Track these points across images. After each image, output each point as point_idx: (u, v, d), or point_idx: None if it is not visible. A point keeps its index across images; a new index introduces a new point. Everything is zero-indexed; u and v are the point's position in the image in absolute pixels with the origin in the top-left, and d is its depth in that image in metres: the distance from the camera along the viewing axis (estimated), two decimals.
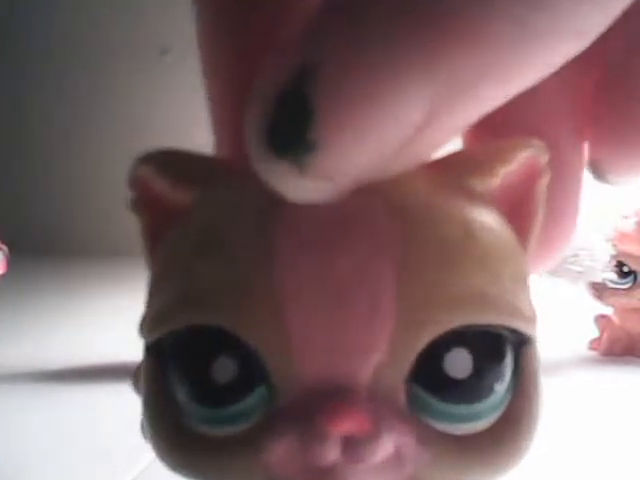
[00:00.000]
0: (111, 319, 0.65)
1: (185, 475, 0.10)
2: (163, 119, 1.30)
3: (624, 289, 0.46)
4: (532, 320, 0.10)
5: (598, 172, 0.12)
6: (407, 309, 0.09)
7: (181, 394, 0.10)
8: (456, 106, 0.08)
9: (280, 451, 0.09)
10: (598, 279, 0.47)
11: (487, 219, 0.10)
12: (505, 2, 0.08)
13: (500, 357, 0.10)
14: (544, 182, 0.10)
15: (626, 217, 0.45)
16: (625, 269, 0.46)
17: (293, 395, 0.09)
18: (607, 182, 0.12)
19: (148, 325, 0.11)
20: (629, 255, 0.46)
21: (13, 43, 1.33)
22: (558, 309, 0.64)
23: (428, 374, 0.09)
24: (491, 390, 0.10)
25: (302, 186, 0.08)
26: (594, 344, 0.48)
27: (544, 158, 0.10)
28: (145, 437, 0.11)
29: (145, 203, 0.12)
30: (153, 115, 1.31)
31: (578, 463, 0.27)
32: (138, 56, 1.30)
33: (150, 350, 0.11)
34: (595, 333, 0.48)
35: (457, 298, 0.09)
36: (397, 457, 0.09)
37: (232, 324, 0.09)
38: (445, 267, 0.09)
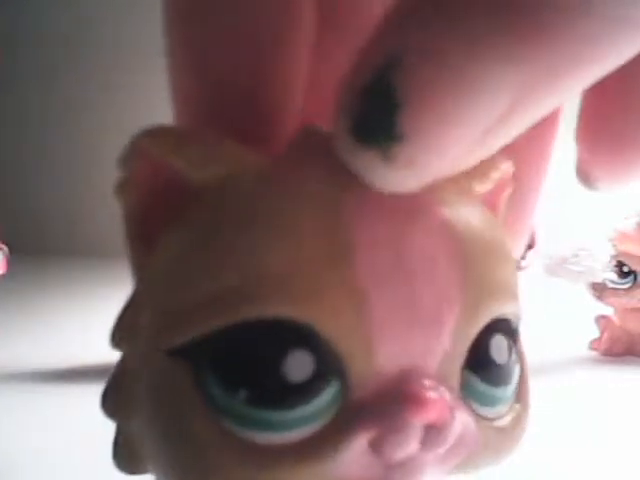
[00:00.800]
0: (111, 319, 0.65)
1: None
2: (164, 118, 1.30)
3: (624, 289, 0.46)
4: (520, 309, 0.11)
5: (588, 180, 0.12)
6: (467, 300, 0.09)
7: (229, 400, 0.09)
8: (538, 97, 0.08)
9: (358, 449, 0.09)
10: (598, 279, 0.47)
11: (495, 218, 0.11)
12: None
13: (516, 342, 0.11)
14: (509, 192, 0.11)
15: (626, 217, 0.45)
16: (625, 269, 0.46)
17: (367, 390, 0.09)
18: (595, 189, 0.13)
19: (174, 323, 0.09)
20: (629, 255, 0.46)
21: (15, 43, 1.33)
22: (558, 309, 0.64)
23: (478, 360, 0.10)
24: (515, 372, 0.10)
25: (389, 176, 0.08)
26: (594, 344, 0.48)
27: (512, 171, 0.11)
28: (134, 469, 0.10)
29: (142, 181, 0.10)
30: (154, 114, 1.31)
31: (578, 463, 0.27)
32: (140, 55, 1.30)
33: (175, 355, 0.09)
34: (595, 333, 0.48)
35: (499, 289, 0.10)
36: (460, 441, 0.09)
37: (308, 316, 0.09)
38: (489, 261, 0.10)
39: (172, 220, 0.10)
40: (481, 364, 0.10)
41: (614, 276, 0.46)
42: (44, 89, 1.34)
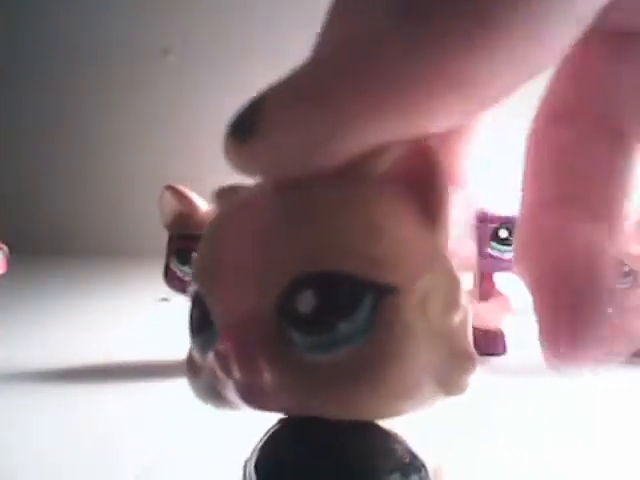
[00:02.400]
0: (111, 319, 0.65)
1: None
2: (164, 118, 1.30)
3: (624, 289, 0.46)
4: (401, 273, 0.12)
5: (553, 367, 0.14)
6: (270, 262, 0.12)
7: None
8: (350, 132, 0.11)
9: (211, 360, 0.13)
10: None
11: (345, 188, 0.12)
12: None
13: (346, 299, 0.12)
14: (438, 164, 0.13)
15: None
16: (625, 269, 0.46)
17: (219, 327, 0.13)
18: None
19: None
20: (629, 255, 0.46)
21: (17, 44, 1.33)
22: None
23: (286, 310, 0.12)
24: (333, 326, 0.11)
25: (245, 163, 0.12)
26: None
27: (432, 146, 0.12)
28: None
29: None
30: (154, 114, 1.31)
31: (578, 463, 0.27)
32: (141, 55, 1.30)
33: None
34: None
35: (305, 251, 0.12)
36: (268, 380, 0.12)
37: (201, 287, 0.13)
38: (294, 229, 0.12)
39: None
40: (288, 313, 0.12)
41: None
42: (44, 90, 1.34)
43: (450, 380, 0.12)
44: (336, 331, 0.11)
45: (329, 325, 0.11)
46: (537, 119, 0.16)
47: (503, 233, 0.45)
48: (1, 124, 1.35)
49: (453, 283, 0.12)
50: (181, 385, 0.44)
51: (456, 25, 0.10)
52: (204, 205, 0.42)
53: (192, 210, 0.42)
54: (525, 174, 0.15)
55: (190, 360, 0.14)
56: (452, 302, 0.12)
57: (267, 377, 0.12)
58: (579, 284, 0.13)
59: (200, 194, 0.43)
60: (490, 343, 0.47)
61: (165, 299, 0.70)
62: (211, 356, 0.13)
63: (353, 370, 0.12)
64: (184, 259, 0.42)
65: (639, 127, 0.15)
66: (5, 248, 0.50)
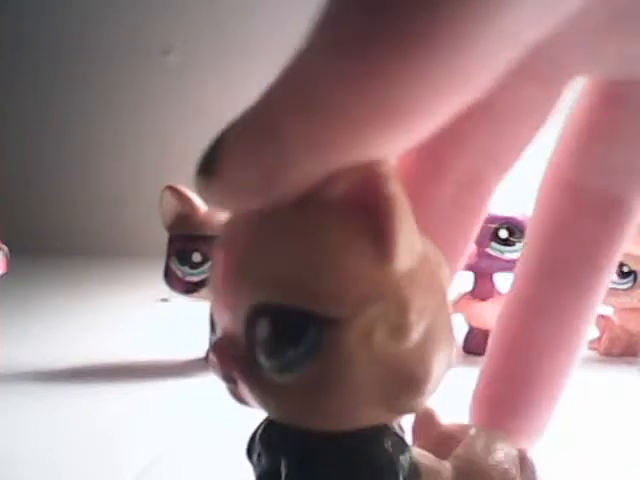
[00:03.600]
0: (111, 319, 0.65)
1: None
2: (164, 118, 1.30)
3: (624, 289, 0.46)
4: (346, 304, 0.13)
5: None
6: (237, 288, 0.13)
7: None
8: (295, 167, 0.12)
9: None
10: None
11: (296, 219, 0.13)
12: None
13: (293, 330, 0.13)
14: (389, 190, 0.13)
15: None
16: (625, 269, 0.46)
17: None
18: None
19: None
20: (629, 255, 0.46)
21: (17, 44, 1.33)
22: None
23: (249, 334, 0.13)
24: (283, 352, 0.13)
25: (211, 199, 0.13)
26: (594, 344, 0.48)
27: (385, 172, 0.13)
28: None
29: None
30: (154, 114, 1.31)
31: (578, 462, 0.28)
32: (140, 56, 1.30)
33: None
34: (595, 333, 0.48)
35: (259, 283, 0.13)
36: (237, 389, 0.14)
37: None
38: (255, 258, 0.13)
39: None
40: (251, 337, 0.13)
41: (614, 276, 0.46)
42: (44, 90, 1.34)
43: (396, 402, 0.13)
44: (285, 357, 0.13)
45: (280, 351, 0.13)
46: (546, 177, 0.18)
47: (503, 233, 0.46)
48: (1, 124, 1.35)
49: (404, 310, 0.13)
50: (181, 385, 0.44)
51: (377, 54, 0.11)
52: (204, 205, 0.43)
53: (192, 210, 0.42)
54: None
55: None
56: (401, 329, 0.13)
57: (242, 389, 0.13)
58: None
59: None
60: None
61: (165, 299, 0.70)
62: None
63: (303, 391, 0.13)
64: (184, 259, 0.42)
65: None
66: (5, 248, 0.50)
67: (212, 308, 0.14)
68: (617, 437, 0.31)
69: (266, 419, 0.15)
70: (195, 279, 0.42)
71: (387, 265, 0.13)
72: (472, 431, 0.17)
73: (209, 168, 0.12)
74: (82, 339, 0.54)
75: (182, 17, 1.28)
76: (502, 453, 0.17)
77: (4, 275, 0.50)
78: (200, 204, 0.42)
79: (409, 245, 0.13)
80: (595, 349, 0.48)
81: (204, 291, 0.41)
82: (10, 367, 0.44)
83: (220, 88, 1.24)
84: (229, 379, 0.14)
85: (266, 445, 0.15)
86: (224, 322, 0.14)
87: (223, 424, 0.30)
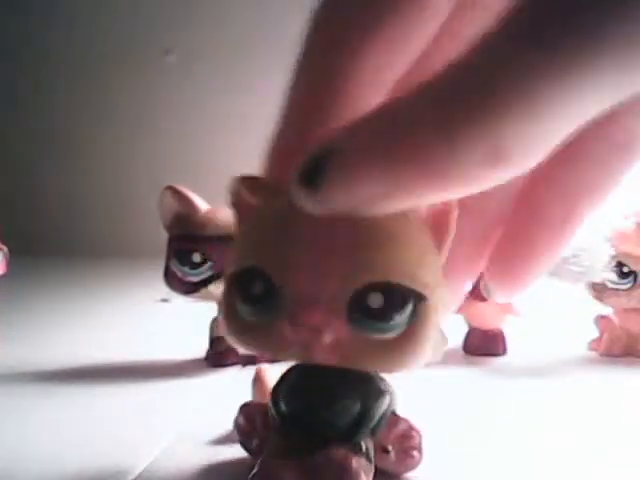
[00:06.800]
0: (111, 319, 0.65)
1: (241, 344, 0.20)
2: (164, 118, 1.30)
3: (624, 289, 0.46)
4: (428, 287, 0.19)
5: (487, 290, 0.23)
6: (350, 267, 0.18)
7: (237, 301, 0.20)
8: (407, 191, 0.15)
9: (284, 331, 0.19)
10: (598, 279, 0.47)
11: (401, 228, 0.18)
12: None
13: (400, 301, 0.18)
14: (452, 218, 0.19)
15: (626, 217, 0.45)
16: (625, 269, 0.46)
17: (290, 304, 0.19)
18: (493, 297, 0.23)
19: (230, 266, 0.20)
20: (629, 255, 0.46)
21: (19, 45, 1.33)
22: (558, 309, 0.64)
23: (359, 304, 0.18)
24: (391, 318, 0.18)
25: (314, 206, 0.15)
26: (594, 344, 0.48)
27: (454, 205, 0.19)
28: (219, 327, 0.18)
29: (237, 204, 0.21)
30: (155, 114, 1.31)
31: (578, 462, 0.28)
32: (141, 56, 1.30)
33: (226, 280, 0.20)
34: (595, 333, 0.48)
35: (375, 266, 0.18)
36: (335, 342, 0.19)
37: (263, 265, 0.19)
38: (368, 250, 0.18)
39: (246, 218, 0.21)
40: (361, 306, 0.18)
41: (614, 276, 0.46)
42: (43, 90, 1.34)
43: (436, 350, 0.20)
44: (393, 320, 0.18)
45: (389, 316, 0.18)
46: None
47: None
48: (1, 124, 1.35)
49: (447, 294, 0.20)
50: (181, 385, 0.44)
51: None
52: (204, 205, 0.42)
53: (192, 211, 0.42)
54: None
55: (242, 321, 0.20)
56: (447, 306, 0.20)
57: (327, 340, 0.18)
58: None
59: (200, 194, 0.43)
60: (490, 343, 0.47)
61: (165, 299, 0.70)
62: (277, 319, 0.19)
63: (397, 345, 0.19)
64: (184, 260, 0.42)
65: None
66: (5, 249, 0.50)
67: (280, 278, 0.18)
68: (617, 437, 0.31)
69: (292, 370, 0.23)
70: (195, 279, 0.42)
71: (442, 262, 0.20)
72: None
73: (319, 175, 0.15)
74: (82, 339, 0.55)
75: (182, 17, 1.28)
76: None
77: (4, 276, 0.50)
78: (200, 204, 0.42)
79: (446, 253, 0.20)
80: (595, 349, 0.48)
81: (204, 291, 0.41)
82: (10, 367, 0.44)
83: (219, 88, 1.24)
84: (316, 330, 0.18)
85: (319, 389, 0.22)
86: (321, 291, 0.18)
87: (223, 424, 0.30)
